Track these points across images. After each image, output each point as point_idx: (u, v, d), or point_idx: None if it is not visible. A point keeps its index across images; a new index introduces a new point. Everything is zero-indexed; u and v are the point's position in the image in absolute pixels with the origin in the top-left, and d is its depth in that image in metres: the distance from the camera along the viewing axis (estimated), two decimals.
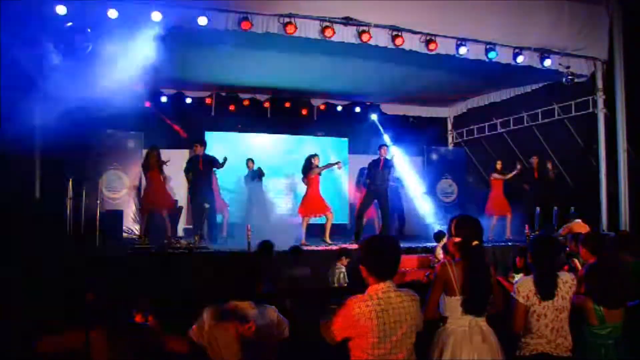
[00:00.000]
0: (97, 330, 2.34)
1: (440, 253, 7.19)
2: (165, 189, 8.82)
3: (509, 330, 3.01)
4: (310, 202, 8.49)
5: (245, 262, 2.79)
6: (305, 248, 7.18)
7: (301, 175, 8.72)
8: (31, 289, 4.57)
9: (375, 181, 8.72)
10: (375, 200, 8.88)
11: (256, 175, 9.77)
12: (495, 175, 9.64)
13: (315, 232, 8.89)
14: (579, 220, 7.62)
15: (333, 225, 8.86)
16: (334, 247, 7.37)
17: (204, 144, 8.81)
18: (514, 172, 9.54)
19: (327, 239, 8.40)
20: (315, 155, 8.68)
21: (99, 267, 5.74)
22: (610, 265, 3.43)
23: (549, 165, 9.55)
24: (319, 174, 8.57)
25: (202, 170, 8.46)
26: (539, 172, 9.58)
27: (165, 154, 8.58)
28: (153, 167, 8.33)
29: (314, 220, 8.78)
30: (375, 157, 8.91)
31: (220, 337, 2.51)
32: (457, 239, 2.89)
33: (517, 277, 4.73)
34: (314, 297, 4.82)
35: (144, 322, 2.72)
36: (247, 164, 9.94)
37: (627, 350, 3.25)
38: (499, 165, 9.67)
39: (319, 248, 7.72)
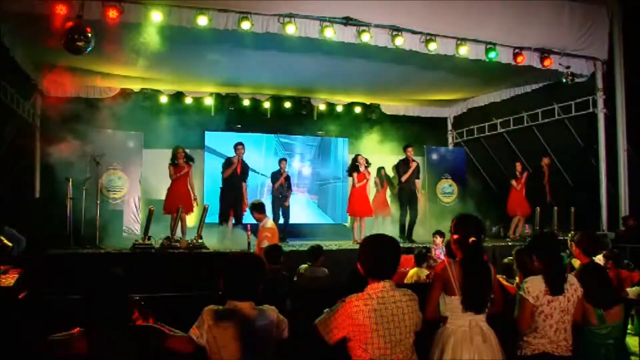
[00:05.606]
0: (98, 331, 2.34)
1: (435, 252, 7.17)
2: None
3: (515, 329, 3.01)
4: (354, 202, 8.71)
5: (245, 262, 2.78)
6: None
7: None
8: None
9: (409, 181, 9.05)
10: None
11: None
12: (514, 182, 9.57)
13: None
14: None
15: (332, 225, 8.88)
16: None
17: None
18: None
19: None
20: (360, 154, 8.75)
21: (99, 267, 5.73)
22: (603, 265, 3.43)
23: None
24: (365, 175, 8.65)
25: (239, 175, 8.47)
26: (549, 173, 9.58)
27: (164, 153, 8.54)
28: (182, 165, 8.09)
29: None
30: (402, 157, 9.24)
31: (220, 337, 2.51)
32: (455, 237, 2.92)
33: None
34: (314, 297, 4.80)
35: (145, 324, 2.71)
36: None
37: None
38: (518, 167, 9.60)
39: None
